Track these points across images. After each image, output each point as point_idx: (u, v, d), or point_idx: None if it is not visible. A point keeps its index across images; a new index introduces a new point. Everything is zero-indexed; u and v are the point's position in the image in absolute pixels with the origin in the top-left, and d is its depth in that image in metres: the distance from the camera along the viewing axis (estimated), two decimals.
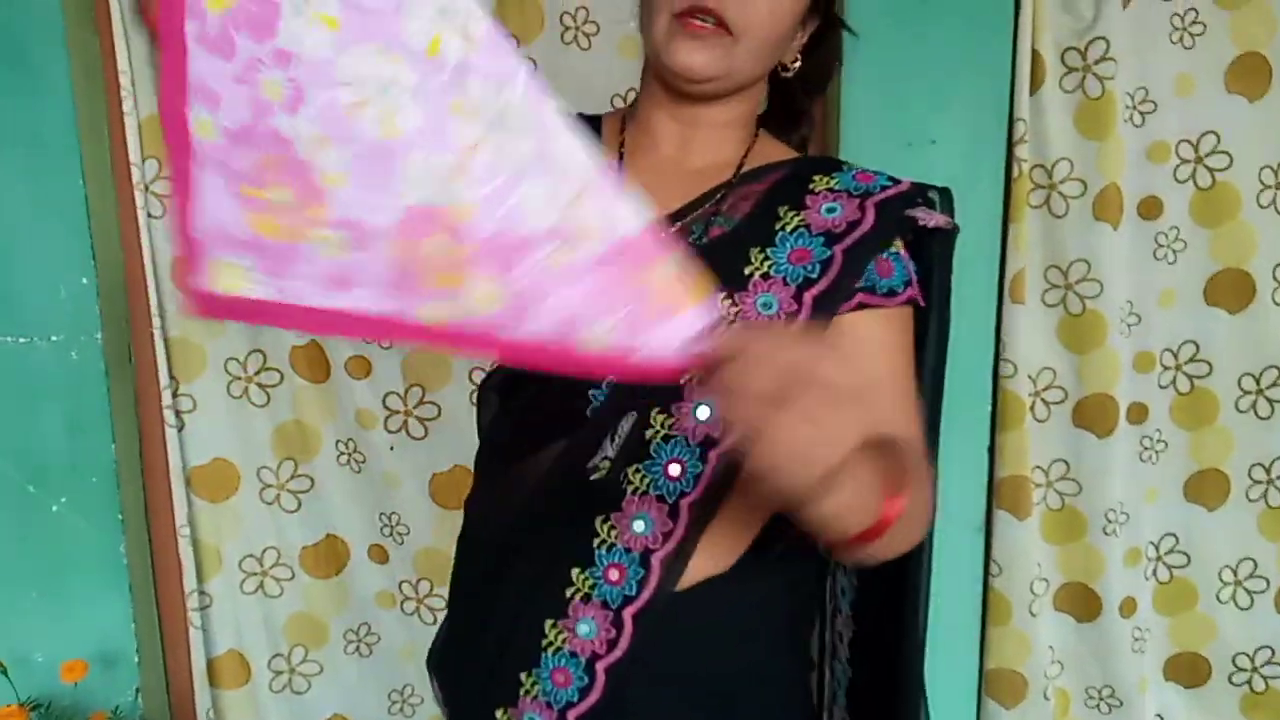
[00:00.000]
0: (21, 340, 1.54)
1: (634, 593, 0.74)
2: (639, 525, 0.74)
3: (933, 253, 0.78)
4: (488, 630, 0.79)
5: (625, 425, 0.75)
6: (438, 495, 1.73)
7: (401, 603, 1.77)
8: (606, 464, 0.75)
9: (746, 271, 0.74)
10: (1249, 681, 1.79)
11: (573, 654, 0.75)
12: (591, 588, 0.75)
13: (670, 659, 0.76)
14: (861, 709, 0.91)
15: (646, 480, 0.74)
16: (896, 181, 0.77)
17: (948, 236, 0.79)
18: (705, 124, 0.80)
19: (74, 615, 1.62)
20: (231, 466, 1.72)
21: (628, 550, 0.74)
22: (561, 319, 0.47)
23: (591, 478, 0.75)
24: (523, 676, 0.76)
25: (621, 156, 0.81)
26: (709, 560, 0.75)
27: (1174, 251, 1.62)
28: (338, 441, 1.72)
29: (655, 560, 0.73)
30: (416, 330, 0.49)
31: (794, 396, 0.48)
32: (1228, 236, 1.61)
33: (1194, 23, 1.55)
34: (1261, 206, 1.60)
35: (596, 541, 0.75)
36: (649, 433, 0.75)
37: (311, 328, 0.50)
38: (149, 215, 1.59)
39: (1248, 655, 1.78)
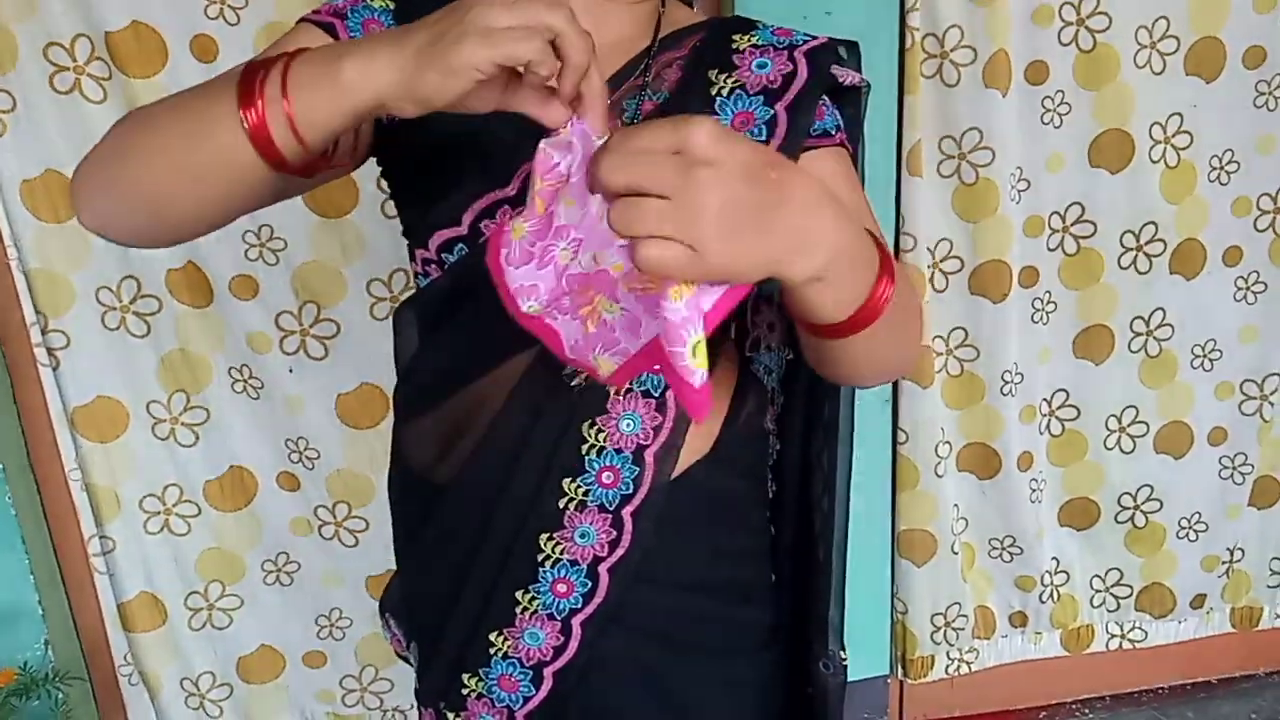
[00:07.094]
0: None
1: (630, 491, 0.73)
2: (626, 425, 0.73)
3: (847, 112, 0.77)
4: (474, 562, 0.75)
5: None
6: (346, 416, 1.67)
7: (319, 528, 1.73)
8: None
9: None
10: (1131, 519, 1.94)
11: (573, 562, 0.74)
12: (585, 494, 0.73)
13: (672, 546, 0.75)
14: (780, 566, 0.91)
15: None
16: (814, 36, 0.76)
17: (859, 94, 0.78)
18: None
19: None
20: (117, 404, 1.61)
21: (619, 451, 0.73)
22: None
23: (572, 384, 0.72)
24: (519, 595, 0.75)
25: None
26: (691, 447, 0.74)
27: (1060, 115, 1.66)
28: (230, 369, 1.63)
29: (649, 456, 0.73)
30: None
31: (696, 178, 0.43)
32: (1109, 97, 1.65)
33: None
34: (1139, 66, 1.65)
35: (585, 447, 0.73)
36: None
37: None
38: None
39: (1131, 495, 1.92)
